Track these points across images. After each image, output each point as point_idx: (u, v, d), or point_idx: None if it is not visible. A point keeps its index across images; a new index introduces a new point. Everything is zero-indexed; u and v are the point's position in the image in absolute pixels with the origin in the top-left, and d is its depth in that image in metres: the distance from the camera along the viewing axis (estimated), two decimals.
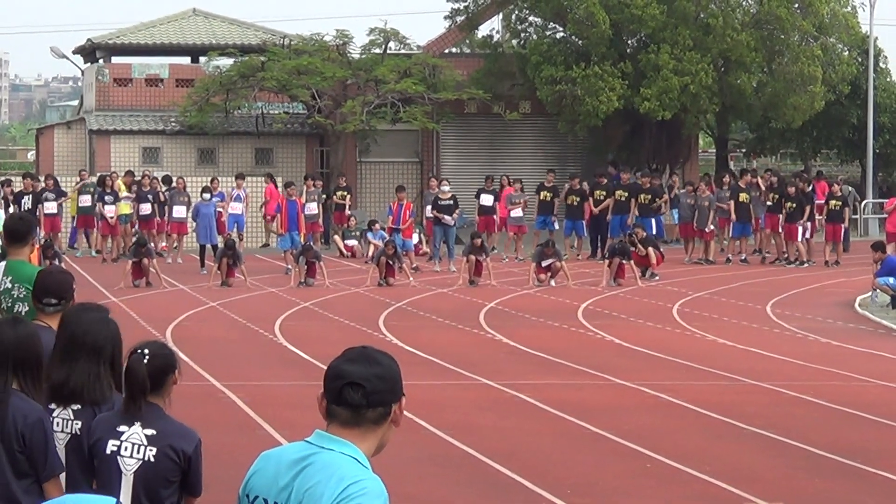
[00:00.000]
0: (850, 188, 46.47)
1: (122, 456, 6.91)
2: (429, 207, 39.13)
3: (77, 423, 7.30)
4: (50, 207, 39.97)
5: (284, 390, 19.09)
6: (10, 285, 10.85)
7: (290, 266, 35.28)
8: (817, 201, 41.02)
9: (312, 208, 39.91)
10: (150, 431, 6.89)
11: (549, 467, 14.22)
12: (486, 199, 41.06)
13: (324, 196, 42.91)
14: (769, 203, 40.30)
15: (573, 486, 13.31)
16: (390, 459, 15.04)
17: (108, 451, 6.81)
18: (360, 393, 5.04)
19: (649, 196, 41.22)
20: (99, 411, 7.25)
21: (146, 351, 6.88)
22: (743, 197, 40.92)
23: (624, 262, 33.52)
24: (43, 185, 41.38)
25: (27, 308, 10.48)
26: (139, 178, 42.82)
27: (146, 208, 40.83)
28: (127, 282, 31.74)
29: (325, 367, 5.12)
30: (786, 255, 40.23)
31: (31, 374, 7.36)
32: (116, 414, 6.92)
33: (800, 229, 39.89)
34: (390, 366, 5.12)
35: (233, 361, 21.38)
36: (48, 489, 7.10)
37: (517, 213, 40.90)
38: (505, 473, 13.91)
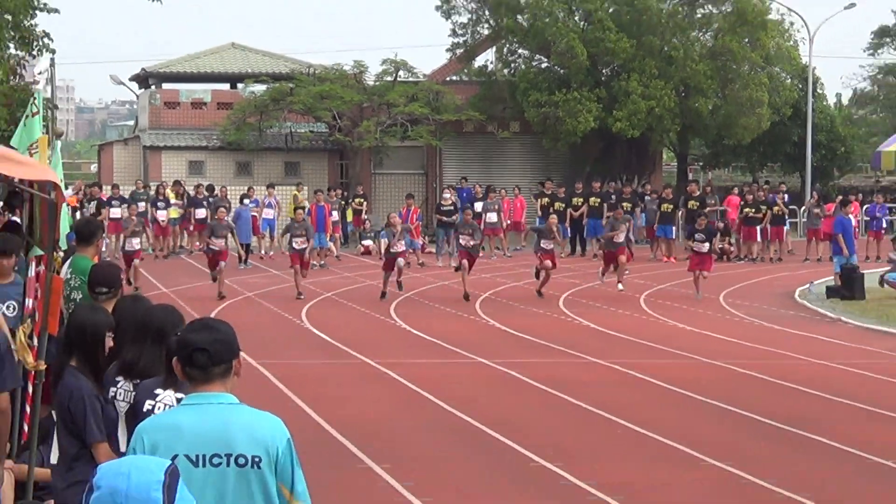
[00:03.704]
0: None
1: (156, 414, 6.99)
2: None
3: (135, 394, 7.38)
4: (115, 213, 40.08)
5: (311, 368, 19.16)
6: (69, 276, 10.99)
7: (315, 262, 35.42)
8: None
9: (336, 215, 40.61)
10: (180, 395, 6.95)
11: (535, 433, 14.26)
12: (479, 206, 41.36)
13: (343, 202, 43.13)
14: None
15: (554, 448, 13.37)
16: (400, 426, 15.18)
17: (144, 410, 6.87)
18: (205, 356, 5.35)
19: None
20: None
21: None
22: (692, 204, 40.99)
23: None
24: (111, 193, 41.59)
25: (81, 295, 10.59)
26: (190, 187, 43.24)
27: (201, 213, 41.14)
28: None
29: (177, 341, 5.46)
30: (746, 255, 40.46)
31: (86, 353, 7.49)
32: (157, 381, 6.98)
33: (758, 230, 40.23)
34: (227, 331, 5.50)
35: (266, 343, 21.44)
36: (96, 452, 7.24)
37: (492, 217, 41.15)
38: (498, 438, 13.97)
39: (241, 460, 5.22)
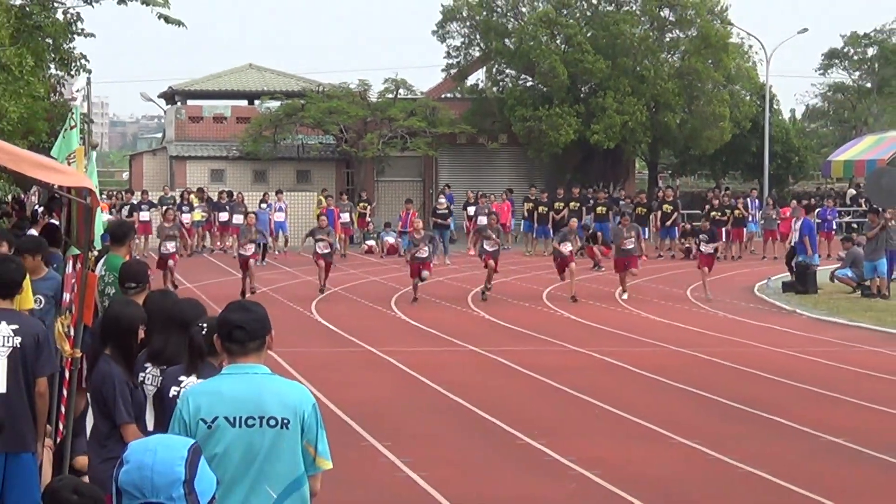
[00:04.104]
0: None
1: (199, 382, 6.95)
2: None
3: (162, 380, 7.35)
4: (144, 216, 40.05)
5: (318, 355, 19.13)
6: (104, 273, 10.98)
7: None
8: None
9: (345, 217, 40.82)
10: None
11: (522, 414, 14.25)
12: (471, 210, 41.45)
13: (350, 206, 43.24)
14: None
15: (540, 428, 13.36)
16: (400, 407, 15.11)
17: (170, 395, 6.85)
18: (242, 332, 5.52)
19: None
20: None
21: (204, 325, 6.91)
22: (666, 208, 41.01)
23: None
24: (140, 198, 41.59)
25: (115, 290, 10.58)
26: (213, 194, 43.29)
27: (224, 216, 41.31)
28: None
29: (218, 320, 5.65)
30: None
31: (120, 342, 7.48)
32: (181, 368, 6.96)
33: (723, 232, 40.13)
34: (260, 311, 5.64)
35: (279, 333, 21.27)
36: (124, 432, 7.24)
37: (483, 220, 41.11)
38: (488, 418, 13.96)
39: (272, 422, 5.41)
